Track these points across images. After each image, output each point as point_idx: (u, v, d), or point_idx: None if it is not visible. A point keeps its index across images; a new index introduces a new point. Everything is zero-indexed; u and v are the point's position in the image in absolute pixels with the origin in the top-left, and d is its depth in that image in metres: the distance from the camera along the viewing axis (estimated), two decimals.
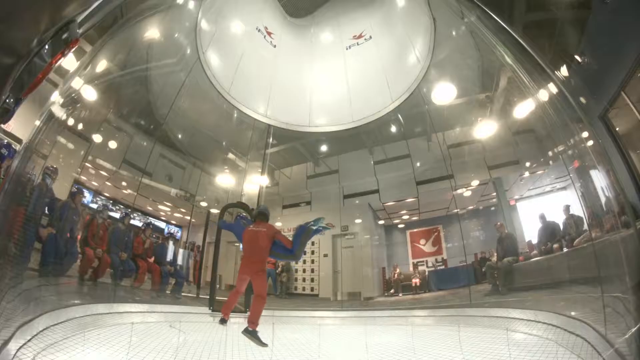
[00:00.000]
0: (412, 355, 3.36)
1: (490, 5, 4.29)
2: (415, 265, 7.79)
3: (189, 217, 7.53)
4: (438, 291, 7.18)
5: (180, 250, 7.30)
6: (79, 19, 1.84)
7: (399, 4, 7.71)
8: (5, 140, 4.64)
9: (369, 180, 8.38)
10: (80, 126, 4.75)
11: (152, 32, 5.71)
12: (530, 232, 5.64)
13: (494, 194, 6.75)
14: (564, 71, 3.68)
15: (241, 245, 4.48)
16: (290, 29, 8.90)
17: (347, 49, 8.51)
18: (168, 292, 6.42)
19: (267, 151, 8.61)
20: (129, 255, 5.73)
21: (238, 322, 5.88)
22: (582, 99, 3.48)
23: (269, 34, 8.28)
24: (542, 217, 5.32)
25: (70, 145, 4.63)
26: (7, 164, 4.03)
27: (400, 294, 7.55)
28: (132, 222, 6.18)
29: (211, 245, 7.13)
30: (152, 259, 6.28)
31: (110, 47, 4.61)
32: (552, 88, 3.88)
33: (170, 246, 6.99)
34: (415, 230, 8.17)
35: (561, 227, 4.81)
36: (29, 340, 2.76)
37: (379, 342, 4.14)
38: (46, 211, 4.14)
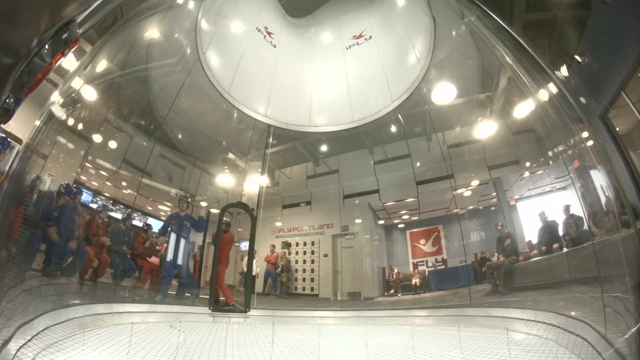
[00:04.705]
0: (412, 355, 3.36)
1: (490, 5, 4.29)
2: (415, 265, 7.79)
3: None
4: (438, 291, 7.19)
5: (181, 250, 7.29)
6: (79, 19, 1.84)
7: (399, 4, 7.72)
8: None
9: (369, 180, 8.39)
10: (80, 126, 4.75)
11: (152, 32, 5.71)
12: (530, 232, 5.64)
13: (494, 194, 6.75)
14: (564, 71, 3.68)
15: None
16: (290, 29, 8.91)
17: (347, 49, 8.52)
18: (173, 292, 6.44)
19: (267, 151, 8.62)
20: (131, 255, 5.75)
21: (238, 322, 5.90)
22: (582, 99, 3.48)
23: (269, 34, 8.29)
24: (542, 217, 5.32)
25: (70, 145, 4.63)
26: (2, 157, 4.02)
27: (400, 294, 7.56)
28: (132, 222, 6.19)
29: (211, 245, 7.13)
30: (152, 259, 6.28)
31: (110, 47, 4.61)
32: (552, 88, 3.88)
33: (172, 246, 6.99)
34: (415, 230, 8.17)
35: (561, 227, 4.81)
36: (29, 340, 2.76)
37: (379, 342, 4.14)
38: (47, 211, 4.14)
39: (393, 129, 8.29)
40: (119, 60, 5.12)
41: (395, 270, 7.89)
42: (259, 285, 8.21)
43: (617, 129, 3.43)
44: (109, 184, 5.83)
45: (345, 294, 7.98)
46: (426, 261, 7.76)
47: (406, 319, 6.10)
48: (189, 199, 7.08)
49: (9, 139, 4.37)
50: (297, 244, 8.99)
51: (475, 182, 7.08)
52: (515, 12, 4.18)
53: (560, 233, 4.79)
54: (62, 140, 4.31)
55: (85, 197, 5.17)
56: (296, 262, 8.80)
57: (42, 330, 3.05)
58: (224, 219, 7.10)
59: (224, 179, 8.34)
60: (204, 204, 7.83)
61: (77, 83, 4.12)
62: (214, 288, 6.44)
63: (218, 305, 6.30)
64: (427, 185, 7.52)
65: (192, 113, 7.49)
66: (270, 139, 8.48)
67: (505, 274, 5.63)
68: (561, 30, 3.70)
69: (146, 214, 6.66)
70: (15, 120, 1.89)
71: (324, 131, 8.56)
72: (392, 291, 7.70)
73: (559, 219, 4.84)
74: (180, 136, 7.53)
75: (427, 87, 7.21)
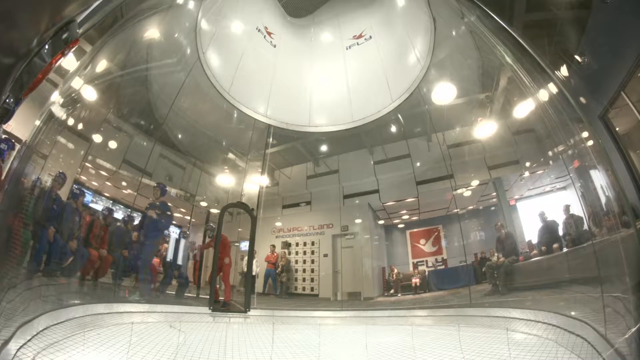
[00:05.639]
0: (412, 355, 3.36)
1: (490, 5, 4.29)
2: (415, 265, 7.79)
3: (189, 217, 7.53)
4: (438, 291, 7.19)
5: (181, 251, 7.30)
6: (79, 19, 1.85)
7: (399, 4, 7.72)
8: (4, 135, 4.62)
9: (369, 180, 8.39)
10: (80, 126, 4.75)
11: (152, 32, 5.71)
12: (530, 232, 5.64)
13: (494, 194, 6.75)
14: (564, 71, 3.68)
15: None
16: (290, 29, 8.91)
17: (347, 49, 8.53)
18: (173, 292, 6.44)
19: (267, 151, 8.62)
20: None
21: (238, 322, 5.91)
22: (582, 99, 3.48)
23: (269, 34, 8.29)
24: (542, 217, 5.32)
25: (70, 145, 4.63)
26: (8, 157, 4.02)
27: (400, 294, 7.56)
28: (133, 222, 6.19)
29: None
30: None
31: (110, 47, 4.61)
32: (552, 88, 3.88)
33: (172, 248, 7.01)
34: (415, 230, 8.17)
35: (561, 227, 4.81)
36: (29, 340, 2.76)
37: (379, 342, 4.14)
38: (48, 212, 4.14)
39: (393, 129, 8.30)
40: (119, 60, 5.12)
41: (395, 270, 7.89)
42: (259, 285, 8.21)
43: (617, 129, 3.43)
44: (108, 184, 5.83)
45: (345, 294, 7.97)
46: (426, 261, 7.75)
47: (406, 319, 6.10)
48: (165, 187, 6.64)
49: (12, 140, 4.38)
50: (297, 244, 8.99)
51: (475, 182, 7.08)
52: (515, 12, 4.18)
53: (560, 233, 4.80)
54: (62, 140, 4.31)
55: (86, 197, 5.16)
56: (296, 262, 8.80)
57: (42, 330, 3.05)
58: (211, 224, 7.17)
59: (224, 179, 8.34)
60: (204, 204, 7.84)
61: (77, 83, 4.12)
62: (214, 288, 6.44)
63: (218, 305, 6.31)
64: (427, 185, 7.52)
65: (192, 113, 7.49)
66: (270, 139, 8.48)
67: (505, 274, 5.63)
68: (561, 30, 3.70)
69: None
70: (15, 120, 1.89)
71: (324, 131, 8.56)
72: (392, 291, 7.70)
73: (559, 219, 4.84)
74: (180, 136, 7.53)
75: (427, 87, 7.21)
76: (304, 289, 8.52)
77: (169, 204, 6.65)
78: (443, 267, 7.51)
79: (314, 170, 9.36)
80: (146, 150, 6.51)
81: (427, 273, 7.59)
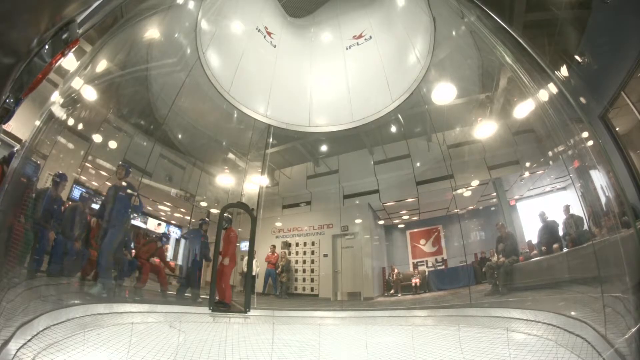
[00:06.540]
0: (412, 355, 3.35)
1: (490, 5, 4.30)
2: (415, 265, 7.79)
3: (189, 217, 7.53)
4: (438, 291, 7.19)
5: (181, 251, 7.30)
6: (79, 19, 1.85)
7: (399, 4, 7.72)
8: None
9: (369, 180, 8.39)
10: (80, 126, 4.75)
11: (152, 32, 5.71)
12: (530, 232, 5.64)
13: (494, 194, 6.75)
14: (564, 71, 3.69)
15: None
16: (290, 29, 8.91)
17: (347, 49, 8.53)
18: (173, 292, 6.45)
19: (267, 151, 8.62)
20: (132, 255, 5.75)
21: (238, 322, 5.91)
22: (582, 99, 3.48)
23: (269, 34, 8.29)
24: (542, 217, 5.32)
25: (70, 145, 4.63)
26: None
27: (400, 294, 7.56)
28: (133, 222, 6.19)
29: (211, 245, 7.12)
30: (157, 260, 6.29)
31: (110, 47, 4.61)
32: (552, 88, 3.88)
33: (172, 247, 7.00)
34: (415, 230, 8.17)
35: (561, 227, 4.81)
36: (29, 340, 2.76)
37: (379, 342, 4.14)
38: (48, 212, 4.14)
39: (393, 129, 8.30)
40: (119, 60, 5.12)
41: (396, 270, 7.89)
42: (259, 286, 8.21)
43: (617, 129, 3.44)
44: (108, 184, 5.83)
45: (345, 294, 7.98)
46: (426, 261, 7.75)
47: (406, 319, 6.10)
48: (130, 167, 5.86)
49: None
50: (297, 244, 8.99)
51: (475, 182, 7.08)
52: (515, 12, 4.18)
53: (560, 233, 4.80)
54: (62, 140, 4.31)
55: (86, 197, 5.16)
56: (296, 262, 8.80)
57: (42, 330, 3.05)
58: (228, 215, 7.09)
59: (224, 179, 8.34)
60: (204, 204, 7.84)
61: (77, 83, 4.12)
62: (214, 288, 6.44)
63: (218, 306, 6.31)
64: (427, 185, 7.52)
65: (192, 113, 7.49)
66: (270, 139, 8.48)
67: (505, 274, 5.63)
68: (561, 30, 3.71)
69: (146, 214, 6.66)
70: (15, 120, 1.89)
71: (324, 131, 8.56)
72: (392, 291, 7.70)
73: (559, 219, 4.84)
74: (180, 136, 7.53)
75: (427, 87, 7.21)
76: (304, 289, 8.52)
77: (134, 186, 5.97)
78: (443, 267, 7.51)
79: (314, 170, 9.36)
80: (146, 150, 6.51)
81: (427, 273, 7.59)
